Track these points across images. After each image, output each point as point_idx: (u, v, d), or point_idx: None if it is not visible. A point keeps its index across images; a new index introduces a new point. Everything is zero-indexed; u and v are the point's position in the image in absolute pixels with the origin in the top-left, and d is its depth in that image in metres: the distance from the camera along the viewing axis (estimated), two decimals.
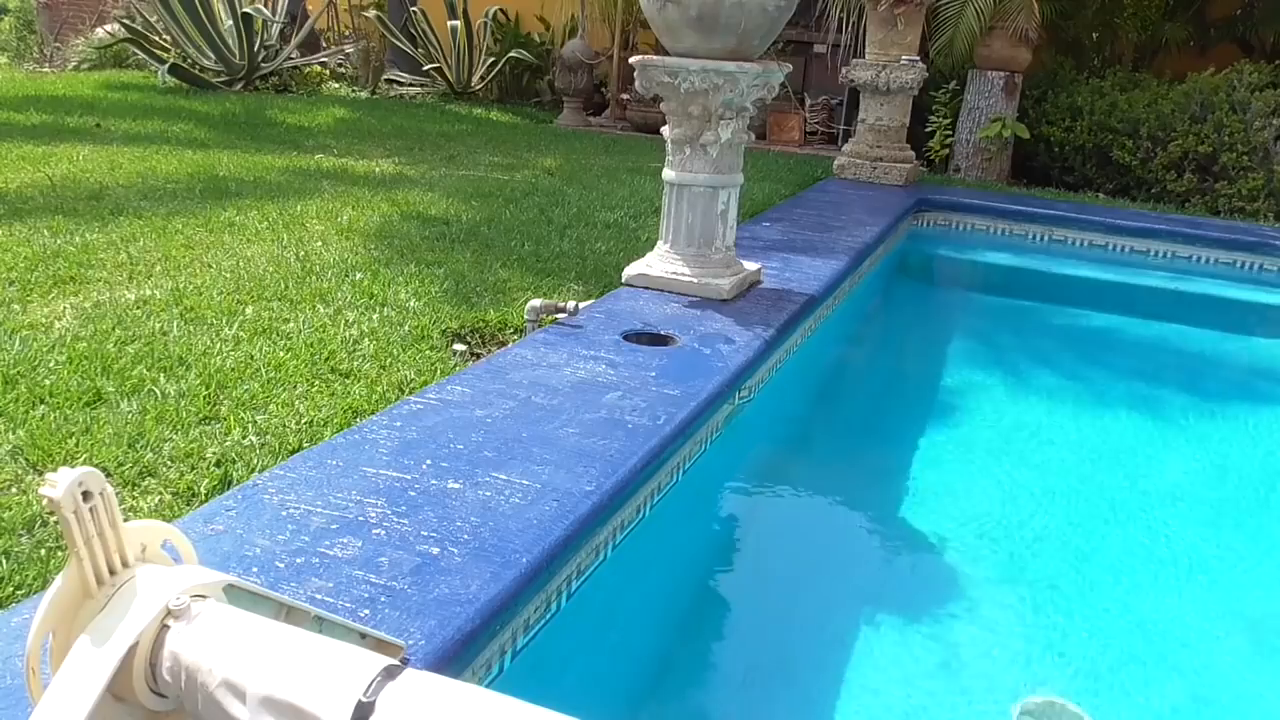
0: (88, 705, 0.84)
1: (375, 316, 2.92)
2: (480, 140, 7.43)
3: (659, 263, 3.25)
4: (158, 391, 2.25)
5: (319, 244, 3.78)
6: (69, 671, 0.86)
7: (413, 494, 1.71)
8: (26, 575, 1.54)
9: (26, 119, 6.65)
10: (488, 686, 1.36)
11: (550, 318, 2.88)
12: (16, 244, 3.42)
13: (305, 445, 2.01)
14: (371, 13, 10.81)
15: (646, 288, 3.23)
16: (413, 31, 10.05)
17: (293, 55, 9.83)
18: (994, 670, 1.97)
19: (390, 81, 10.62)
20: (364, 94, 10.17)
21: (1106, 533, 2.59)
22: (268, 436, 2.07)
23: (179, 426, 2.09)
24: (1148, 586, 2.35)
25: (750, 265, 3.42)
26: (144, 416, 2.11)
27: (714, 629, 2.12)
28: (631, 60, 3.11)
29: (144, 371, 2.36)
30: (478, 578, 1.46)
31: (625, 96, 9.31)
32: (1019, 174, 7.35)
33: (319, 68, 10.36)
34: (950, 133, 7.31)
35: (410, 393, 2.32)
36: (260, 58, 9.50)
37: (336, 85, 10.35)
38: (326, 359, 2.54)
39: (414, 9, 10.07)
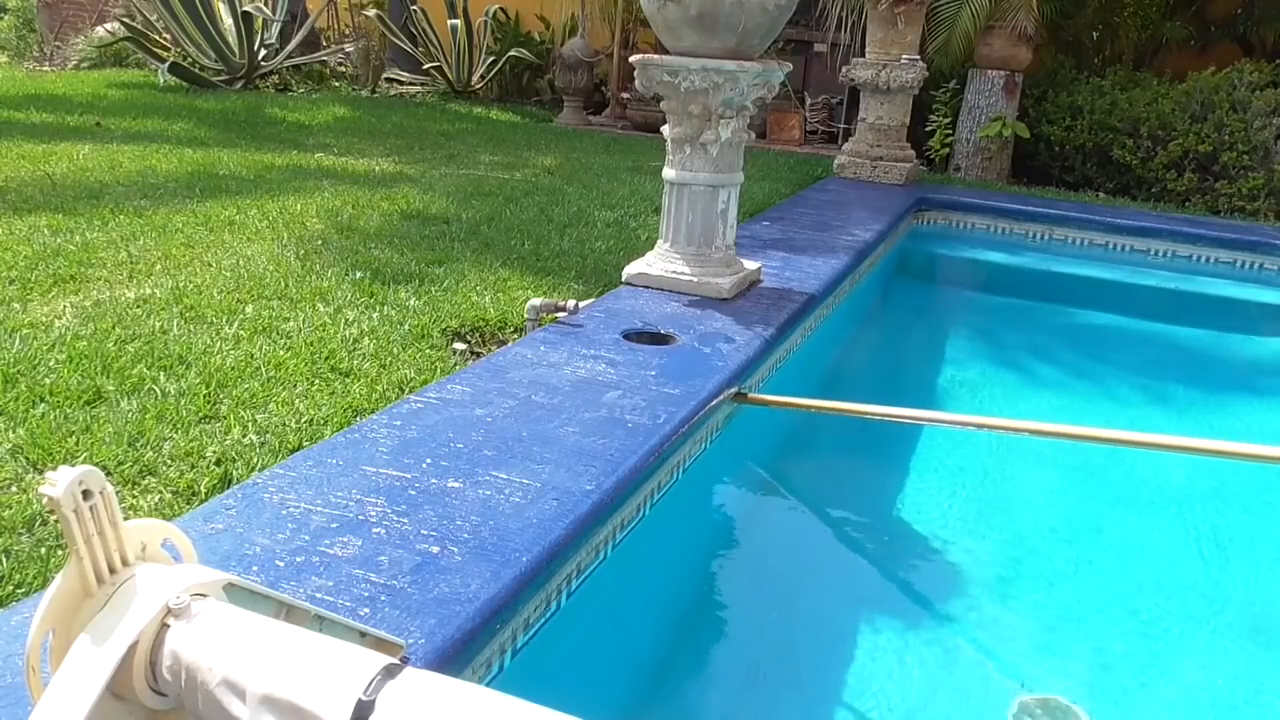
0: (88, 704, 0.84)
1: (375, 315, 2.92)
2: (480, 139, 7.43)
3: (659, 261, 3.25)
4: (158, 390, 2.25)
5: (319, 243, 3.78)
6: (69, 670, 0.86)
7: (413, 493, 1.71)
8: (27, 574, 1.54)
9: (27, 117, 6.65)
10: (488, 685, 1.36)
11: (550, 316, 2.88)
12: (17, 242, 3.42)
13: (305, 444, 2.01)
14: (371, 11, 10.80)
15: (646, 287, 3.23)
16: (413, 30, 10.05)
17: (293, 54, 9.82)
18: (993, 669, 1.97)
19: (390, 80, 10.61)
20: (364, 93, 10.17)
21: (1107, 531, 2.59)
22: (268, 435, 2.07)
23: (179, 425, 2.09)
24: (1148, 584, 2.35)
25: (750, 264, 3.42)
26: (144, 415, 2.11)
27: (714, 628, 2.12)
28: (632, 59, 3.11)
29: (144, 370, 2.36)
30: (478, 576, 1.46)
31: (625, 95, 9.31)
32: (1019, 173, 7.35)
33: (319, 66, 10.36)
34: (950, 132, 7.31)
35: (410, 391, 2.32)
36: (260, 56, 9.50)
37: (337, 84, 10.35)
38: (326, 358, 2.54)
39: (414, 8, 10.06)
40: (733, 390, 2.46)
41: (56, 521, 1.42)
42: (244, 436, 2.06)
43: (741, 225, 4.21)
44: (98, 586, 0.90)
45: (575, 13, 9.61)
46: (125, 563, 0.93)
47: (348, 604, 1.36)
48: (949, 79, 7.29)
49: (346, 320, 2.85)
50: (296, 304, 2.98)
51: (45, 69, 10.70)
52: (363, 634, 1.06)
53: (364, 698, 0.81)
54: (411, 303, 3.07)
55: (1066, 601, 2.25)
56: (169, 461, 1.94)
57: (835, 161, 6.55)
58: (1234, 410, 3.65)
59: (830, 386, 3.71)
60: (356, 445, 1.89)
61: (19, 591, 1.50)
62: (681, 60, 2.96)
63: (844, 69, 6.38)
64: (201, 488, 1.84)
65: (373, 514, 1.62)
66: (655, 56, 3.01)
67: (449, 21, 9.84)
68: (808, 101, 8.88)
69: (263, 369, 2.43)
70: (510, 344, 2.66)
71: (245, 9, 8.97)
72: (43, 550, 1.61)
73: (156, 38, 9.64)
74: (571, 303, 2.87)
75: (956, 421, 2.64)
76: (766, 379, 2.87)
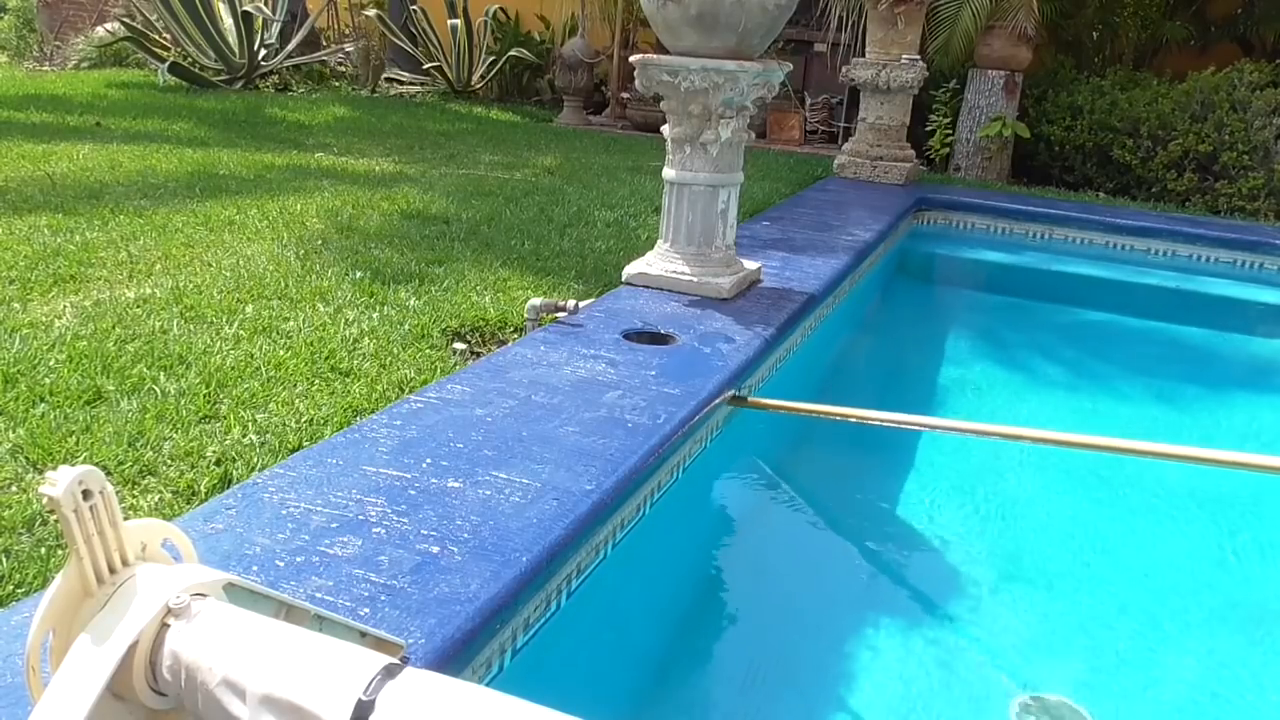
0: (88, 704, 0.84)
1: (375, 315, 2.92)
2: (480, 139, 7.43)
3: (659, 261, 3.25)
4: (158, 390, 2.25)
5: (319, 242, 3.78)
6: (69, 670, 0.86)
7: (413, 493, 1.71)
8: (27, 574, 1.54)
9: (27, 117, 6.65)
10: (488, 685, 1.36)
11: (550, 316, 2.88)
12: (17, 242, 3.42)
13: (305, 444, 2.01)
14: (371, 11, 10.81)
15: (646, 286, 3.23)
16: (413, 30, 10.05)
17: (293, 54, 9.82)
18: (994, 669, 1.97)
19: (390, 80, 10.61)
20: (364, 93, 10.17)
21: (1106, 531, 2.59)
22: (268, 435, 2.07)
23: (179, 425, 2.09)
24: (1147, 584, 2.35)
25: (750, 264, 3.42)
26: (144, 415, 2.11)
27: (714, 628, 2.12)
28: (632, 59, 3.11)
29: (144, 370, 2.36)
30: (478, 576, 1.46)
31: (625, 95, 9.31)
32: (1019, 173, 7.35)
33: (319, 66, 10.36)
34: (950, 132, 7.31)
35: (410, 391, 2.32)
36: (260, 56, 9.50)
37: (337, 84, 10.35)
38: (326, 358, 2.54)
39: (414, 8, 10.06)
40: (730, 394, 2.47)
41: (56, 521, 1.42)
42: (244, 436, 2.06)
43: (741, 225, 4.21)
44: (98, 586, 0.90)
45: (575, 13, 9.61)
46: (125, 562, 0.93)
47: (348, 604, 1.36)
48: (949, 79, 7.29)
49: (346, 320, 2.85)
50: (296, 304, 2.98)
51: (45, 69, 10.70)
52: (363, 634, 1.06)
53: (364, 698, 0.81)
54: (411, 302, 3.07)
55: (1067, 601, 2.25)
56: (169, 461, 1.94)
57: (835, 161, 6.55)
58: (1234, 408, 3.65)
59: (830, 386, 3.71)
60: (356, 445, 1.89)
61: (19, 591, 1.50)
62: (681, 60, 2.96)
63: (844, 69, 6.38)
64: (201, 488, 1.84)
65: (373, 514, 1.62)
66: (655, 56, 3.01)
67: (449, 21, 9.84)
68: (808, 101, 8.88)
69: (263, 369, 2.43)
70: (510, 344, 2.66)
71: (245, 9, 8.97)
72: (43, 550, 1.61)
73: (156, 38, 9.64)
74: (571, 303, 2.87)
75: (955, 428, 2.64)
76: (766, 379, 2.87)
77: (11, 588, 1.51)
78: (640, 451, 1.96)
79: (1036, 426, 3.21)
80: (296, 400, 2.27)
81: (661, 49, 3.10)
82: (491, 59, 10.18)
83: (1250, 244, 5.29)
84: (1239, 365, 4.34)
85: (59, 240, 3.49)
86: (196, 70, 9.04)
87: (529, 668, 1.55)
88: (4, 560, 1.57)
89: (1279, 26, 7.56)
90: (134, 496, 1.79)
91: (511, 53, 10.02)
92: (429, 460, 1.84)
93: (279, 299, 3.02)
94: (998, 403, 3.51)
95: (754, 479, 2.78)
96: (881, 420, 2.47)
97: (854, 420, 2.48)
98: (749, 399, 2.56)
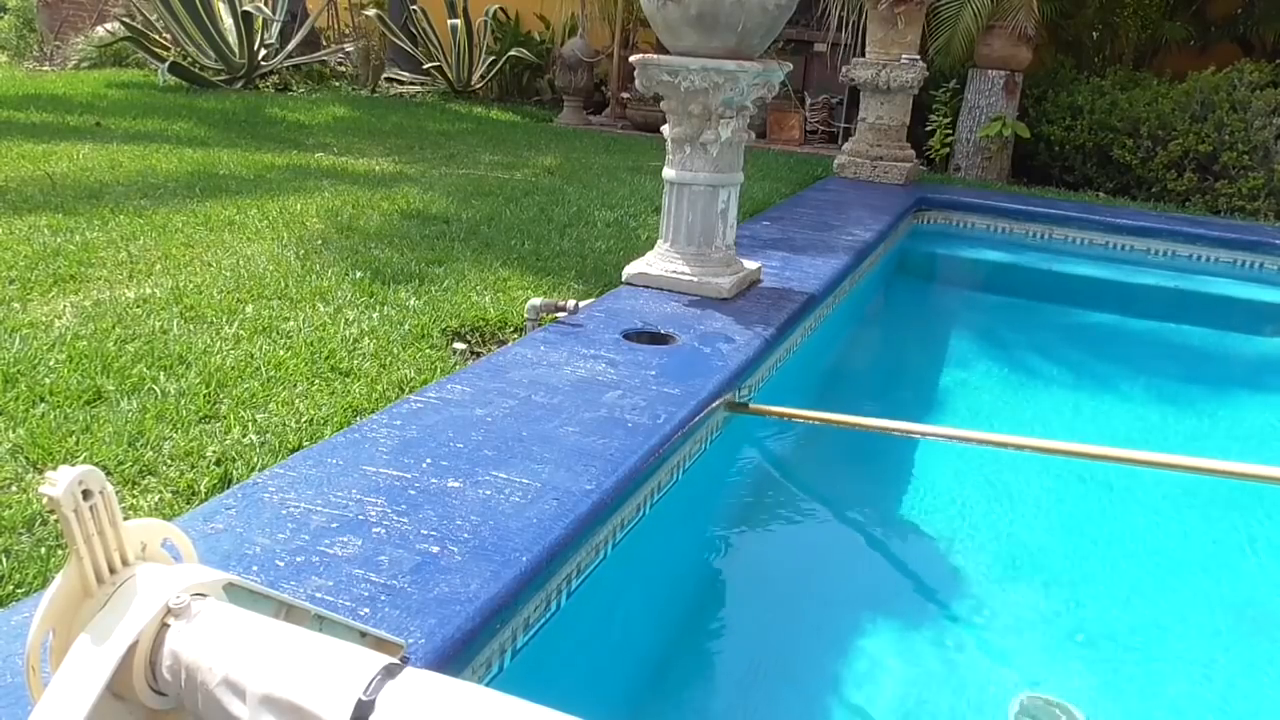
0: (88, 703, 0.84)
1: (375, 315, 2.92)
2: (480, 139, 7.43)
3: (659, 261, 3.25)
4: (158, 390, 2.25)
5: (319, 242, 3.78)
6: (69, 670, 0.86)
7: (413, 492, 1.71)
8: (27, 573, 1.54)
9: (27, 117, 6.65)
10: (488, 685, 1.36)
11: (550, 316, 2.88)
12: (16, 242, 3.42)
13: (305, 444, 2.01)
14: (371, 11, 10.81)
15: (646, 286, 3.23)
16: (413, 30, 10.05)
17: (293, 54, 9.82)
18: (993, 669, 1.97)
19: (390, 80, 10.62)
20: (364, 92, 10.17)
21: (1106, 531, 2.59)
22: (268, 435, 2.07)
23: (179, 425, 2.09)
24: (1147, 585, 2.35)
25: (750, 264, 3.42)
26: (144, 415, 2.11)
27: (714, 628, 2.12)
28: (632, 59, 3.11)
29: (144, 370, 2.36)
30: (478, 576, 1.46)
31: (625, 95, 9.31)
32: (1019, 173, 7.35)
33: (319, 66, 10.36)
34: (950, 132, 7.31)
35: (410, 391, 2.32)
36: (260, 56, 9.50)
37: (337, 84, 10.35)
38: (326, 357, 2.54)
39: (414, 7, 10.06)
40: (728, 397, 2.46)
41: (56, 521, 1.42)
42: (244, 436, 2.06)
43: (741, 225, 4.21)
44: (98, 586, 0.90)
45: (575, 13, 9.61)
46: (125, 562, 0.93)
47: (348, 604, 1.36)
48: (949, 79, 7.29)
49: (346, 320, 2.85)
50: (296, 304, 2.98)
51: (45, 69, 10.70)
52: (363, 634, 1.06)
53: (364, 697, 0.81)
54: (411, 302, 3.07)
55: (1066, 602, 2.25)
56: (169, 461, 1.94)
57: (835, 161, 6.55)
58: (1234, 408, 3.65)
59: (830, 386, 3.71)
60: (356, 445, 1.89)
61: (19, 591, 1.50)
62: (681, 60, 2.96)
63: (844, 69, 6.38)
64: (201, 488, 1.84)
65: (373, 514, 1.62)
66: (655, 56, 3.01)
67: (449, 21, 9.84)
68: (808, 101, 8.88)
69: (263, 369, 2.43)
70: (510, 344, 2.66)
71: (245, 9, 8.97)
72: (43, 550, 1.61)
73: (156, 37, 9.64)
74: (571, 303, 2.88)
75: (953, 436, 2.62)
76: (766, 379, 2.87)
77: (11, 588, 1.51)
78: (640, 451, 1.96)
79: (1036, 428, 3.22)
80: (296, 400, 2.27)
81: (661, 49, 3.10)
82: (491, 59, 10.18)
83: (1250, 244, 5.29)
84: (1239, 365, 4.34)
85: (59, 240, 3.49)
86: (196, 70, 9.04)
87: (529, 668, 1.55)
88: (4, 560, 1.57)
89: (1279, 26, 7.57)
90: (134, 496, 1.79)
91: (511, 53, 10.02)
92: (429, 460, 1.84)
93: (279, 299, 3.02)
94: (997, 402, 3.51)
95: (754, 479, 2.78)
96: (880, 428, 2.47)
97: (852, 427, 2.48)
98: (749, 405, 2.55)
